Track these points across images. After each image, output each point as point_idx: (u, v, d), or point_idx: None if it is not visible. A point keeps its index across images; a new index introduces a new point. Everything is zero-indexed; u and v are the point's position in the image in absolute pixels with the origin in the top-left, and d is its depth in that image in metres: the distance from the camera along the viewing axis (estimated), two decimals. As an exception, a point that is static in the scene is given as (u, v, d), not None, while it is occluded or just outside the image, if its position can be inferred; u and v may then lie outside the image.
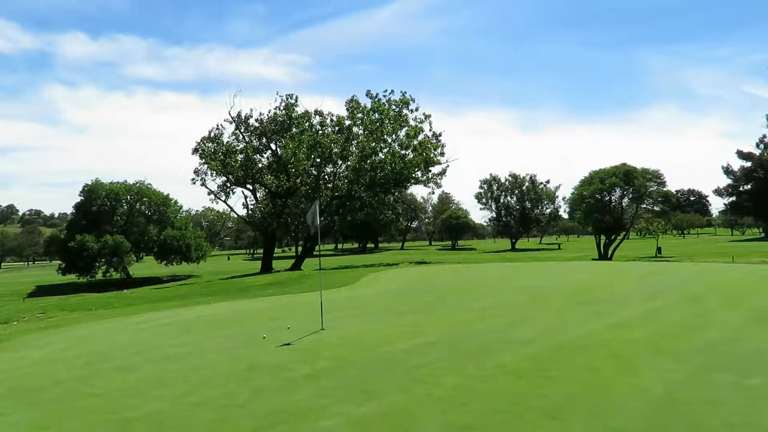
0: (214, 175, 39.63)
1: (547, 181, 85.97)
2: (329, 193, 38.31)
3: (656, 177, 47.93)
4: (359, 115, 38.81)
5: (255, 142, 40.30)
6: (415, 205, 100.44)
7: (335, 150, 38.17)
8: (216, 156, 39.31)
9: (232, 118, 39.51)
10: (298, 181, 37.44)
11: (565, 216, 79.79)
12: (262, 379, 5.85)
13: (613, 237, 48.31)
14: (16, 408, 5.26)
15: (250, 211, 42.29)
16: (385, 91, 38.76)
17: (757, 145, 76.62)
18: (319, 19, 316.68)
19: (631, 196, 48.34)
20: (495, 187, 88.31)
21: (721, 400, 4.54)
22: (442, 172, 40.14)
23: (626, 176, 46.87)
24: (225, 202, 42.19)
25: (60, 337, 10.41)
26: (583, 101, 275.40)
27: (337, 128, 39.18)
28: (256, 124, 39.52)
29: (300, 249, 51.31)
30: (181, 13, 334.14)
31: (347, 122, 38.96)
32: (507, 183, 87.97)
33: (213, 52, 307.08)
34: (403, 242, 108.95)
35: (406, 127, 39.02)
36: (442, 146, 39.35)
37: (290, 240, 73.43)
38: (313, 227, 9.93)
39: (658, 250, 47.42)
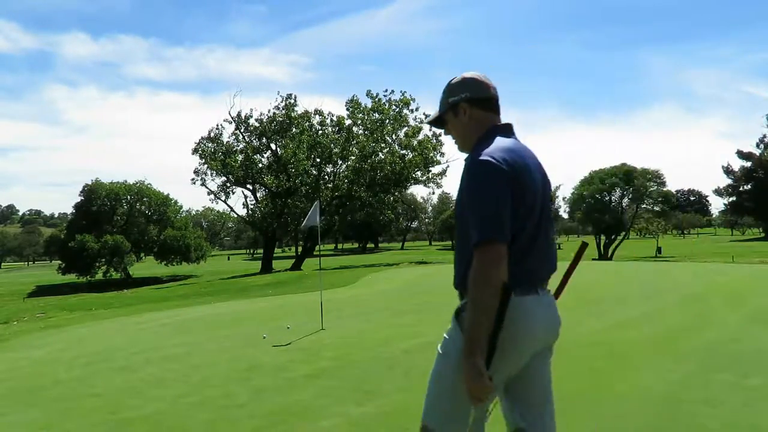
0: (214, 175, 39.68)
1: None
2: (329, 193, 38.31)
3: (656, 177, 47.97)
4: (359, 115, 38.82)
5: (255, 142, 40.32)
6: (415, 205, 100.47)
7: (335, 150, 38.18)
8: (216, 156, 39.34)
9: (232, 118, 39.56)
10: (298, 181, 37.44)
11: (565, 216, 79.79)
12: (262, 379, 5.85)
13: (613, 237, 48.33)
14: (15, 408, 5.26)
15: (250, 211, 42.32)
16: (386, 90, 38.81)
17: (757, 145, 76.63)
18: (320, 20, 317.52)
19: (631, 196, 48.39)
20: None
21: (721, 400, 4.54)
22: (443, 172, 40.16)
23: (626, 176, 46.90)
24: (225, 202, 42.24)
25: (60, 337, 10.40)
26: (583, 101, 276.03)
27: (337, 128, 39.19)
28: (256, 124, 39.53)
29: (300, 249, 51.30)
30: (182, 14, 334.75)
31: (347, 122, 38.97)
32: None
33: (214, 53, 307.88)
34: (403, 242, 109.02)
35: (406, 127, 39.03)
36: (441, 146, 39.39)
37: (290, 240, 73.48)
38: (306, 226, 9.97)
39: (658, 250, 47.45)
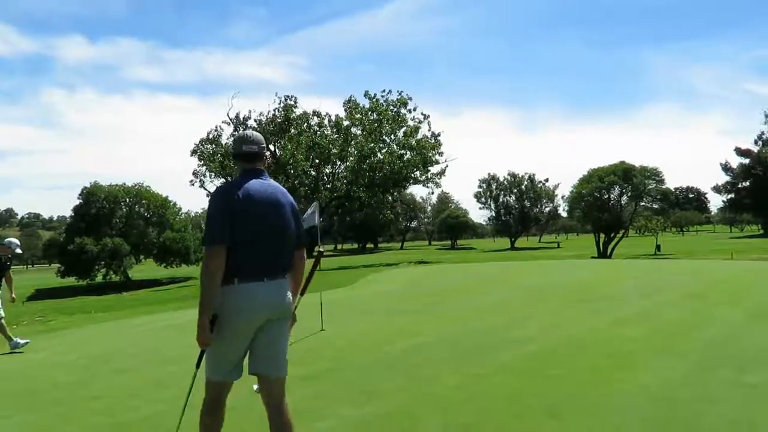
0: (212, 176, 39.64)
1: (546, 180, 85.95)
2: (328, 194, 38.30)
3: (655, 175, 48.00)
4: (357, 115, 38.82)
5: (253, 144, 40.28)
6: (414, 204, 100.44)
7: (334, 151, 38.18)
8: (215, 157, 39.33)
9: (230, 119, 39.54)
10: (296, 182, 37.44)
11: (565, 214, 79.87)
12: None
13: (612, 235, 48.34)
14: (14, 411, 5.25)
15: (249, 213, 42.26)
16: (383, 91, 38.81)
17: (756, 142, 76.77)
18: (318, 21, 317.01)
19: (630, 194, 48.41)
20: (494, 186, 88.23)
21: (720, 397, 4.55)
22: (441, 172, 40.16)
23: (625, 174, 46.93)
24: (224, 203, 42.17)
25: (59, 340, 10.40)
26: (582, 100, 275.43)
27: (335, 129, 39.19)
28: (255, 125, 39.53)
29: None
30: (180, 16, 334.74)
31: (345, 123, 38.95)
32: (506, 182, 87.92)
33: (212, 55, 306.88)
34: (403, 242, 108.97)
35: (404, 127, 39.04)
36: (440, 145, 39.41)
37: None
38: (307, 225, 9.89)
39: (658, 247, 47.46)
